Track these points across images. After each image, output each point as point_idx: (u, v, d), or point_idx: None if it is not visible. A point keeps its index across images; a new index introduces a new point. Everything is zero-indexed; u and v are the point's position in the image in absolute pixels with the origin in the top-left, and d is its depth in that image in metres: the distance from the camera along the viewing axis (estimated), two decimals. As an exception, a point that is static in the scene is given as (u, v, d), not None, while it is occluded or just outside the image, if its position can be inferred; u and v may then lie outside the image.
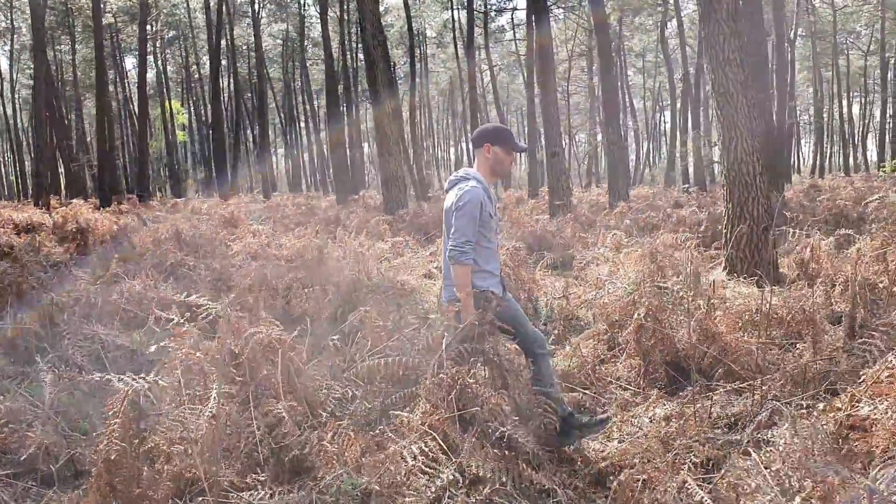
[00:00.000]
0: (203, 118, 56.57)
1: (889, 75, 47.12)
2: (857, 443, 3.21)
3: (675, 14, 39.87)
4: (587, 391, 5.75)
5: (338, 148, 31.62)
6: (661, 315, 5.79)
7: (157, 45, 53.39)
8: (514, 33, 52.03)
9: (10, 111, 50.25)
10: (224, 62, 51.10)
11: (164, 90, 54.82)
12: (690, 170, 36.32)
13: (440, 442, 3.63)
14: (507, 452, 3.62)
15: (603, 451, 4.79)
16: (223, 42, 45.47)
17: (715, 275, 9.95)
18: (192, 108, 60.03)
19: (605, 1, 47.31)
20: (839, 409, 3.41)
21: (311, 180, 60.32)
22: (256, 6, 47.16)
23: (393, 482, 3.33)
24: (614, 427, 5.06)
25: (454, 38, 43.47)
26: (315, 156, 56.52)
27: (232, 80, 47.03)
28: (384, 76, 16.63)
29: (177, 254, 10.54)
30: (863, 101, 61.25)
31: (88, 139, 51.74)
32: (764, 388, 4.45)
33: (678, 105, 40.74)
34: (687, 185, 32.97)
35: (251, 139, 57.92)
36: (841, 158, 55.50)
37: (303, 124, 61.51)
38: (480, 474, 3.48)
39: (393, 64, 56.30)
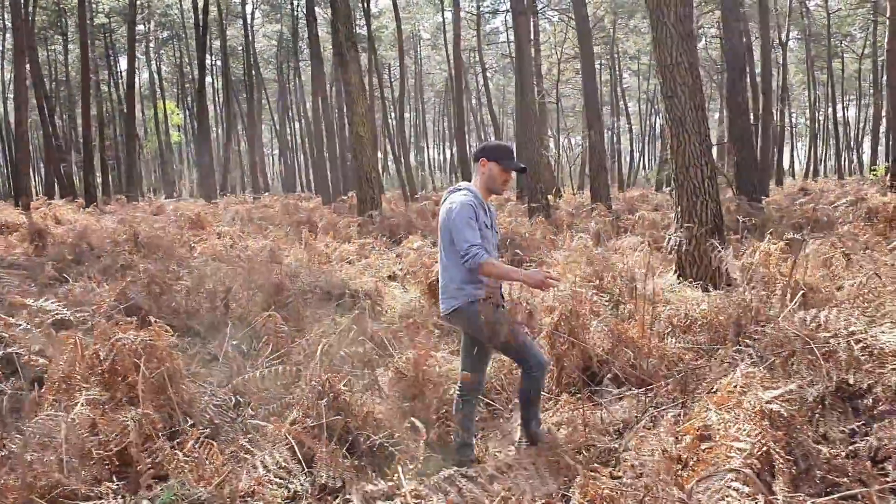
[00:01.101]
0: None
1: (882, 79, 47.00)
2: (704, 453, 3.17)
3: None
4: (500, 395, 5.73)
5: (324, 148, 31.58)
6: (574, 320, 5.74)
7: (151, 45, 53.40)
8: (508, 35, 51.97)
9: (2, 111, 50.21)
10: (219, 62, 51.13)
11: (160, 91, 54.83)
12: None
13: (297, 451, 3.59)
14: (357, 462, 3.56)
15: (501, 457, 4.77)
16: (217, 42, 45.52)
17: (665, 278, 9.95)
18: (187, 109, 60.03)
19: (600, 3, 47.62)
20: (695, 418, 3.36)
21: (307, 181, 60.28)
22: (249, 6, 47.27)
23: (237, 492, 3.28)
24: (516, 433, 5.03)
25: (444, 40, 43.41)
26: (309, 156, 56.50)
27: (221, 80, 47.00)
28: (357, 77, 16.60)
29: (129, 256, 10.47)
30: (858, 104, 61.19)
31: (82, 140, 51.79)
32: (650, 394, 4.41)
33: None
34: (671, 188, 32.87)
35: (245, 140, 57.87)
36: (835, 161, 55.46)
37: (297, 125, 61.49)
38: (329, 484, 3.44)
39: (387, 66, 56.45)
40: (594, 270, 7.63)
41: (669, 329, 6.55)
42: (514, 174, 4.86)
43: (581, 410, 4.47)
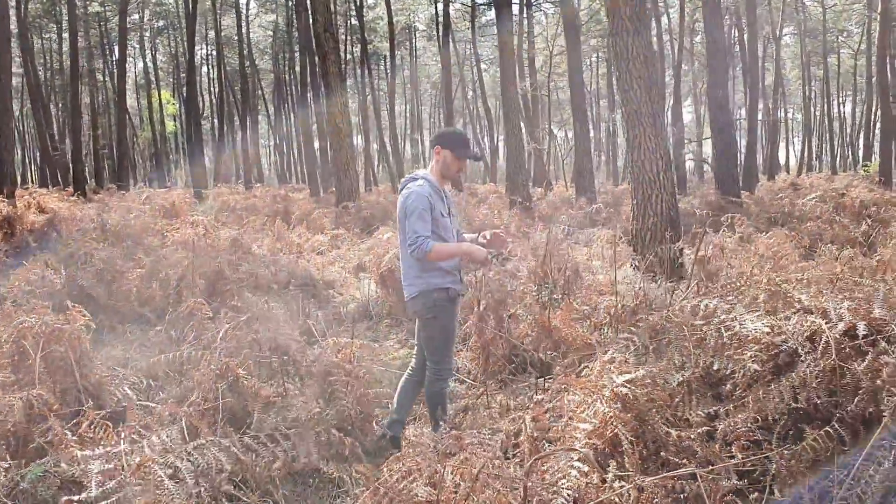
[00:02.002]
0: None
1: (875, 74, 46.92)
2: (566, 433, 3.26)
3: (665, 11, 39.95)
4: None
5: (312, 140, 31.65)
6: (502, 310, 5.83)
7: (147, 35, 53.37)
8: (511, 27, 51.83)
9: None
10: (215, 52, 51.14)
11: (155, 80, 54.80)
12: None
13: (184, 433, 3.68)
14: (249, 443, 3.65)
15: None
16: (211, 32, 45.56)
17: (624, 270, 10.04)
18: (182, 99, 59.98)
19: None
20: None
21: (301, 172, 60.19)
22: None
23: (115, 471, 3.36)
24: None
25: (437, 32, 43.39)
26: (302, 147, 56.48)
27: (216, 70, 47.03)
28: (335, 67, 16.65)
29: (93, 243, 10.52)
30: (854, 100, 61.13)
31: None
32: (549, 381, 4.50)
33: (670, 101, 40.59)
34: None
35: (240, 130, 57.86)
36: (829, 157, 55.45)
37: (293, 116, 61.41)
38: (210, 465, 3.52)
39: (384, 57, 56.36)
40: (539, 262, 7.69)
41: (607, 319, 6.64)
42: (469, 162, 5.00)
43: (485, 396, 4.56)
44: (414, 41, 57.14)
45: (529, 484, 2.74)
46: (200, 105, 59.86)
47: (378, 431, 4.93)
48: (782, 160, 65.38)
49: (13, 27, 41.36)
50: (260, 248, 12.97)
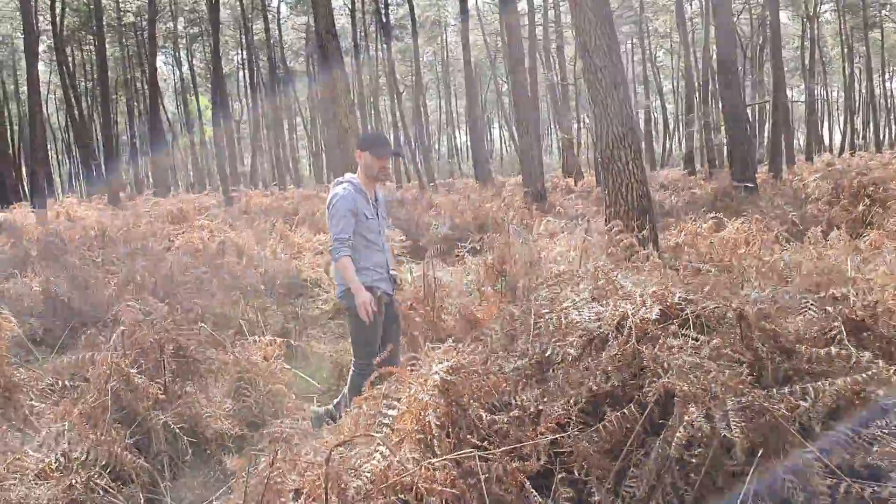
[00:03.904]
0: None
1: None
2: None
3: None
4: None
5: (333, 140, 31.98)
6: (430, 304, 5.97)
7: (182, 42, 54.31)
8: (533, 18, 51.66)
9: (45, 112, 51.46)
10: (246, 56, 51.89)
11: (192, 86, 55.78)
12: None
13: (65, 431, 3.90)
14: (111, 437, 3.85)
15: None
16: (244, 38, 46.29)
17: (600, 261, 10.07)
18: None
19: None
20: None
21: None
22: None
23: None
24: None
25: (462, 27, 43.48)
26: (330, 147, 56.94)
27: (248, 75, 47.70)
28: (339, 70, 16.87)
29: (88, 251, 10.90)
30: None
31: (124, 138, 53.43)
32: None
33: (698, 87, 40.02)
34: (690, 168, 32.72)
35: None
36: (874, 134, 54.04)
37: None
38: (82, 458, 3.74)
39: (416, 50, 56.64)
40: (497, 255, 7.80)
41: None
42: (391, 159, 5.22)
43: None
44: (445, 36, 57.24)
45: (325, 470, 2.88)
46: (240, 109, 60.82)
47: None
48: (827, 140, 63.87)
49: (51, 41, 42.62)
50: (262, 249, 13.28)
